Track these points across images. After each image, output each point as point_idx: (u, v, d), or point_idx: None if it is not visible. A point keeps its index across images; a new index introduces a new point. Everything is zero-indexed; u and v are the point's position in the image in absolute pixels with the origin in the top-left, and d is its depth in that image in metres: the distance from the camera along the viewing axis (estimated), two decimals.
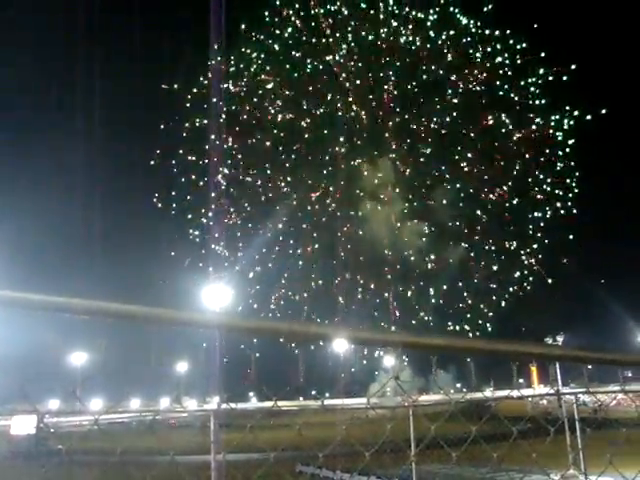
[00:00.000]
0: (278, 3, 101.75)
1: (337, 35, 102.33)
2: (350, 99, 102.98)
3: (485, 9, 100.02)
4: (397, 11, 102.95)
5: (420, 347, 1.86)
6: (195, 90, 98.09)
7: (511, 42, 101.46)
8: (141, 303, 1.80)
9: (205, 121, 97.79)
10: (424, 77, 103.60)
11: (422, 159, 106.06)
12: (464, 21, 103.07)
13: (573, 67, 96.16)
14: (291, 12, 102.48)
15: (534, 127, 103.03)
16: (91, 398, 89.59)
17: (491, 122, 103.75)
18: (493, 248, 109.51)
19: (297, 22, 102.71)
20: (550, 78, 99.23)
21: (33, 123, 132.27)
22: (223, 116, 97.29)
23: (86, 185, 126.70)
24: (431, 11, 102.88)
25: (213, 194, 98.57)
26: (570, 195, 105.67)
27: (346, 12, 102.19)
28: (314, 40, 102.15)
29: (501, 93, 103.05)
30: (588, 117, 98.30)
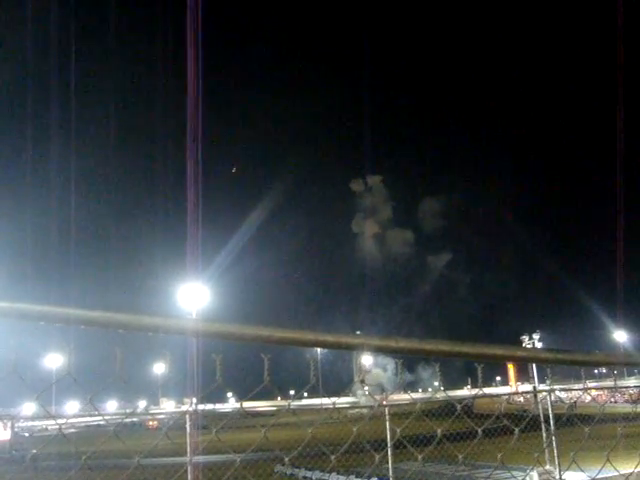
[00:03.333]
0: None
1: None
2: None
3: None
4: None
5: (386, 350, 1.88)
6: None
7: None
8: (114, 306, 1.78)
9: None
10: None
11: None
12: None
13: None
14: None
15: None
16: (66, 401, 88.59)
17: None
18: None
19: None
20: None
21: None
22: None
23: (60, 186, 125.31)
24: None
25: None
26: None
27: None
28: None
29: None
30: None
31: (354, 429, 2.27)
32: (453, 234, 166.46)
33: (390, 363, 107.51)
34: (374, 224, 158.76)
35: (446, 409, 16.19)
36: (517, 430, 3.00)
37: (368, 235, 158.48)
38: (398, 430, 2.65)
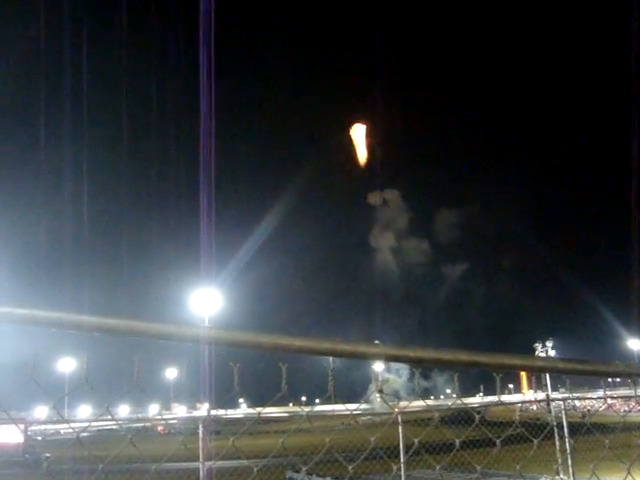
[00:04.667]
0: None
1: None
2: None
3: None
4: None
5: (402, 360, 1.87)
6: None
7: None
8: (128, 313, 1.78)
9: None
10: None
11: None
12: None
13: None
14: None
15: None
16: (79, 405, 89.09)
17: None
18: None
19: None
20: None
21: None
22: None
23: (74, 193, 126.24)
24: None
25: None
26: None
27: None
28: None
29: None
30: None
31: (372, 439, 2.25)
32: (468, 245, 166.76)
33: (404, 368, 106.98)
34: (389, 234, 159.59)
35: (459, 417, 16.09)
36: (536, 442, 2.96)
37: (383, 245, 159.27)
38: (416, 441, 2.62)
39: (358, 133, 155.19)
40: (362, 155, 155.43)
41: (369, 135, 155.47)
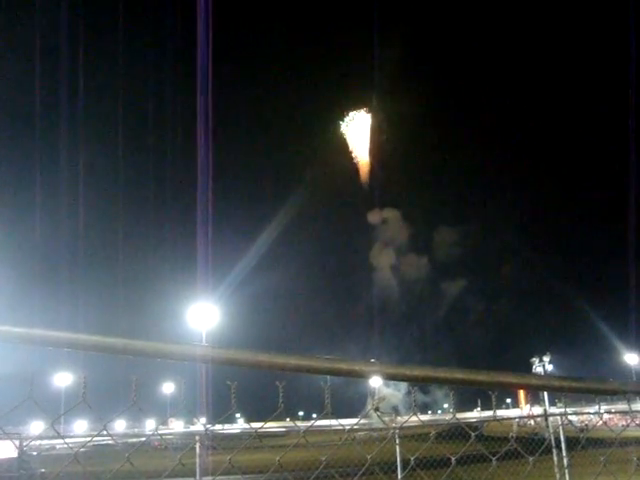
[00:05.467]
0: None
1: None
2: None
3: None
4: None
5: (400, 378, 1.88)
6: None
7: None
8: (125, 327, 1.79)
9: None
10: None
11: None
12: None
13: None
14: None
15: None
16: (76, 420, 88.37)
17: None
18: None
19: None
20: None
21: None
22: None
23: (68, 207, 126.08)
24: None
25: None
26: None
27: None
28: None
29: None
30: None
31: (368, 457, 2.25)
32: (466, 261, 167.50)
33: (403, 383, 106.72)
34: (387, 251, 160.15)
35: (456, 432, 16.02)
36: (532, 459, 2.96)
37: (382, 263, 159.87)
38: (412, 458, 2.62)
39: (359, 149, 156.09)
40: (363, 172, 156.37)
41: (370, 151, 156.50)
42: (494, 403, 2.53)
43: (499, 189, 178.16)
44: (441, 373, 1.91)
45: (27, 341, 1.71)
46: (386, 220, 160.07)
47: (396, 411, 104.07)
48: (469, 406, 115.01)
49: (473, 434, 2.79)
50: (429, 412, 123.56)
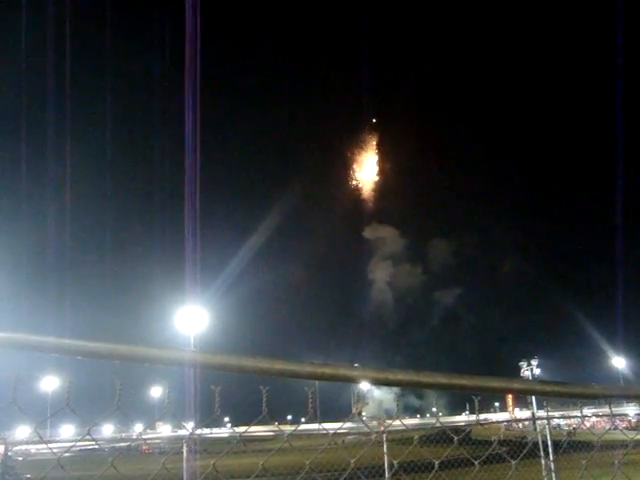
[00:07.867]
0: None
1: None
2: None
3: None
4: None
5: (383, 382, 1.89)
6: None
7: None
8: (113, 331, 1.80)
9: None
10: None
11: None
12: None
13: None
14: None
15: None
16: (62, 424, 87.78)
17: None
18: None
19: None
20: None
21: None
22: None
23: (57, 209, 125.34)
24: None
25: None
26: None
27: None
28: None
29: None
30: None
31: (352, 461, 2.26)
32: (458, 270, 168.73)
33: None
34: (384, 263, 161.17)
35: (444, 436, 16.05)
36: (514, 463, 2.98)
37: (377, 274, 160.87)
38: (395, 462, 2.63)
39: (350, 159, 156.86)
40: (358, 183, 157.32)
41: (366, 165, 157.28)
42: (477, 407, 2.55)
43: (488, 198, 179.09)
44: (424, 378, 1.92)
45: (9, 345, 1.71)
46: (378, 229, 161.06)
47: (388, 414, 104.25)
48: (458, 410, 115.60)
49: (456, 438, 2.81)
50: (418, 416, 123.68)
